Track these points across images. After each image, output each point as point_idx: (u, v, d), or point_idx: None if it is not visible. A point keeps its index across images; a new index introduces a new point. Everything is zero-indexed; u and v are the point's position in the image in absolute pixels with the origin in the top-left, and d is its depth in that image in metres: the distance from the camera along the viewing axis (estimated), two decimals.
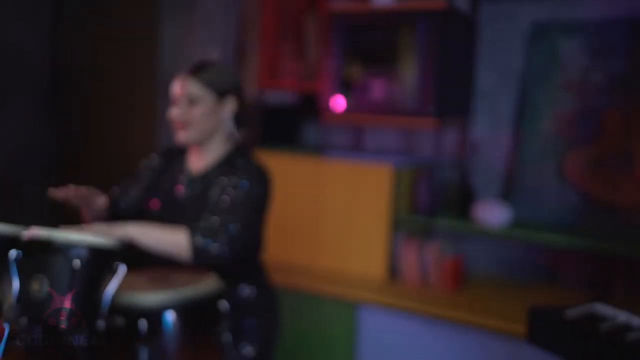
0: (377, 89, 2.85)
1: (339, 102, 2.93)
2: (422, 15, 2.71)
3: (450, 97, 2.86)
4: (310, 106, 3.38)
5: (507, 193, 3.00)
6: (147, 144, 3.49)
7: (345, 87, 2.92)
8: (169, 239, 1.59)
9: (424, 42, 2.71)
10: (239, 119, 1.89)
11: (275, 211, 3.12)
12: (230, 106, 1.85)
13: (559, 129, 2.87)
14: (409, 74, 2.77)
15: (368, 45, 2.89)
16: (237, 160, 1.79)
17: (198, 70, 1.83)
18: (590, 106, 2.80)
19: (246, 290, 1.77)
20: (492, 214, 2.73)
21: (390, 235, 2.89)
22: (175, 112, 1.80)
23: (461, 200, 2.90)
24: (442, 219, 2.85)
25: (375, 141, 3.41)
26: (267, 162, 3.17)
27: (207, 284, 1.52)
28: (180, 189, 1.83)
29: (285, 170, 3.14)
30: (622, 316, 1.49)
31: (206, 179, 1.79)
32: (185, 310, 1.46)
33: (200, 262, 1.59)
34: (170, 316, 1.43)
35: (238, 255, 1.63)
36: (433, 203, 2.83)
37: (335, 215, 3.01)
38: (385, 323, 2.67)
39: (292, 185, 3.12)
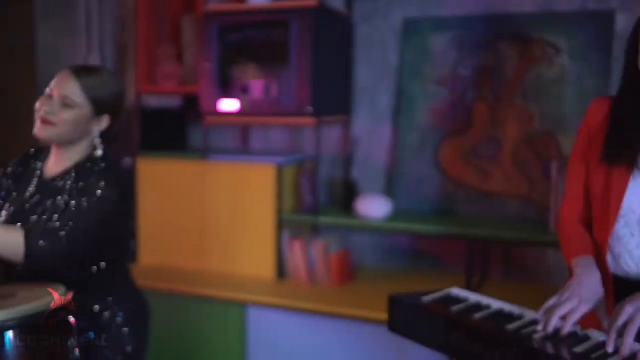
0: (257, 90, 2.84)
1: (219, 104, 2.90)
2: (294, 13, 2.73)
3: (329, 94, 2.90)
4: (196, 109, 3.33)
5: (389, 185, 3.08)
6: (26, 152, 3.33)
7: (225, 89, 2.89)
8: (4, 239, 1.51)
9: (297, 41, 2.73)
10: (109, 136, 1.81)
11: (160, 217, 3.08)
12: (104, 124, 1.77)
13: (434, 121, 2.97)
14: (286, 73, 2.78)
15: (245, 45, 2.88)
16: (94, 166, 1.73)
17: (83, 74, 1.72)
18: (461, 98, 2.93)
19: (103, 302, 1.71)
20: (374, 207, 2.79)
21: (277, 235, 2.89)
22: (44, 108, 1.69)
23: (345, 196, 2.95)
24: (327, 216, 2.89)
25: (262, 141, 3.41)
26: (149, 168, 3.16)
27: (52, 298, 1.45)
28: (31, 193, 1.75)
29: (169, 175, 3.09)
30: (473, 298, 1.56)
31: (58, 183, 1.72)
32: (29, 327, 1.38)
33: (33, 264, 1.53)
34: (10, 335, 1.36)
35: (75, 259, 1.57)
36: (318, 200, 2.86)
37: (222, 218, 2.98)
38: (275, 322, 2.67)
39: (177, 190, 3.06)
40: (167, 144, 3.39)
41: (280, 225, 2.90)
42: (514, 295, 2.42)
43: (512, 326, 1.37)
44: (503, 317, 1.45)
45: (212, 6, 2.90)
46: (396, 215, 2.84)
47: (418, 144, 2.99)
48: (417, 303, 1.51)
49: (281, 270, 2.92)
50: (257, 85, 2.84)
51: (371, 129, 3.15)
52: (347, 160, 3.17)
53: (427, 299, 1.55)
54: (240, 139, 3.47)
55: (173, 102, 3.48)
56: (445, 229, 2.65)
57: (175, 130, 3.50)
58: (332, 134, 3.22)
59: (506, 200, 2.83)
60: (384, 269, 3.11)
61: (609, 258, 1.48)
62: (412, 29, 3.03)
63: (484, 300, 1.54)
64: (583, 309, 1.32)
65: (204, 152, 3.01)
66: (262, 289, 2.78)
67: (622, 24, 2.64)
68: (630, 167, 1.43)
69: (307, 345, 2.62)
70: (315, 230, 3.14)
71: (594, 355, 1.23)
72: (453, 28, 2.94)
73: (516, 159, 2.82)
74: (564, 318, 1.32)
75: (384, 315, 2.45)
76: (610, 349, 1.24)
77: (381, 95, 3.13)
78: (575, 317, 1.31)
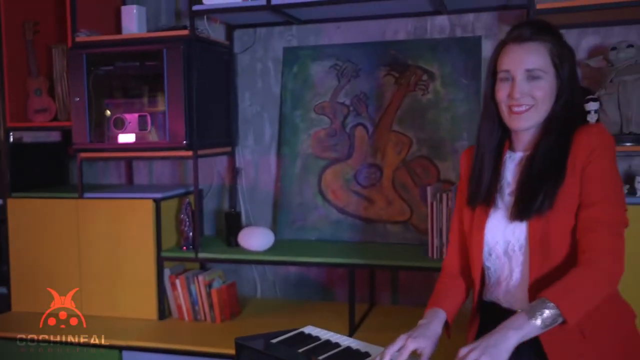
0: (133, 124, 2.73)
1: (91, 138, 2.77)
2: (167, 44, 2.65)
3: (210, 125, 2.83)
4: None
5: (275, 214, 3.03)
6: None
7: (98, 123, 2.77)
8: None
9: (170, 72, 2.65)
10: None
11: (33, 261, 2.90)
12: None
13: (316, 149, 2.96)
14: (161, 105, 2.70)
15: (117, 77, 2.78)
16: None
17: None
18: (341, 125, 2.93)
19: None
20: (255, 239, 2.73)
21: (157, 273, 2.78)
22: None
23: (227, 228, 2.87)
24: (209, 250, 2.79)
25: (146, 176, 3.29)
26: (20, 209, 2.96)
27: None
28: None
29: (42, 215, 2.91)
30: (325, 337, 1.52)
31: None
32: None
33: None
34: None
35: None
36: (198, 234, 2.77)
37: (101, 259, 2.83)
38: None
39: (51, 231, 2.89)
40: (46, 180, 3.22)
41: (160, 262, 2.78)
42: (402, 319, 2.43)
43: None
44: (348, 355, 1.41)
45: (82, 37, 2.79)
46: (280, 246, 2.79)
47: (302, 172, 2.97)
48: (259, 349, 1.45)
49: (163, 310, 2.80)
50: (132, 119, 2.74)
51: (257, 159, 3.11)
52: (232, 191, 3.10)
53: (275, 340, 1.50)
54: (125, 174, 3.34)
55: (52, 136, 3.31)
56: (326, 260, 2.61)
57: (54, 166, 3.34)
58: (219, 165, 3.16)
59: (388, 225, 2.84)
60: (271, 301, 3.04)
61: (483, 288, 1.54)
62: (292, 58, 3.02)
63: (334, 338, 1.51)
64: (411, 346, 1.33)
65: (80, 190, 2.86)
66: (141, 332, 2.64)
67: (488, 50, 2.73)
68: (487, 205, 1.48)
69: None
70: (202, 266, 3.05)
71: None
72: (332, 56, 2.96)
73: (396, 184, 2.84)
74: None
75: None
76: None
77: (265, 124, 3.10)
78: (404, 354, 1.31)
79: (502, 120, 1.49)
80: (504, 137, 1.53)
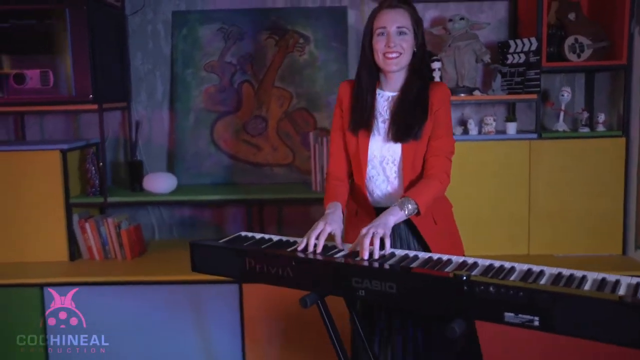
0: (34, 79, 2.89)
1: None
2: (69, 3, 2.85)
3: (108, 82, 3.07)
4: None
5: (171, 164, 3.37)
6: None
7: None
8: None
9: (73, 30, 2.85)
10: None
11: None
12: None
13: (208, 104, 3.33)
14: (64, 62, 2.89)
15: (20, 34, 2.90)
16: None
17: None
18: (229, 82, 3.33)
19: None
20: (159, 183, 3.07)
21: (67, 219, 3.00)
22: None
23: (131, 176, 3.16)
24: (115, 195, 3.07)
25: (37, 131, 3.43)
26: None
27: None
28: None
29: None
30: (259, 236, 1.97)
31: None
32: None
33: None
34: None
35: None
36: (105, 181, 3.02)
37: (7, 210, 2.98)
38: (73, 298, 2.79)
39: None
40: None
41: (69, 208, 3.01)
42: None
43: (289, 249, 1.81)
44: (283, 244, 1.88)
45: None
46: (180, 190, 3.15)
47: (194, 125, 3.33)
48: (214, 245, 1.87)
49: (74, 252, 3.04)
50: (34, 75, 2.89)
51: (150, 114, 3.40)
52: (130, 144, 3.37)
53: (221, 240, 1.92)
54: (14, 130, 3.44)
55: None
56: (225, 197, 3.03)
57: None
58: (113, 120, 3.40)
59: (275, 168, 3.32)
60: (171, 241, 3.39)
61: (367, 194, 2.03)
62: (181, 21, 3.34)
63: (267, 236, 1.97)
64: (328, 229, 1.82)
65: None
66: (56, 271, 2.87)
67: (353, 18, 3.28)
68: (368, 130, 1.98)
69: (110, 315, 2.81)
70: (104, 212, 3.30)
71: (336, 255, 1.72)
72: (218, 20, 3.33)
73: (280, 132, 3.32)
74: (317, 238, 1.79)
75: (176, 277, 2.79)
76: (365, 255, 1.72)
77: (157, 82, 3.39)
78: (324, 235, 1.80)
79: (376, 65, 2.00)
80: (375, 80, 2.05)
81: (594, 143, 2.92)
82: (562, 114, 3.04)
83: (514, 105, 3.24)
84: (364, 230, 1.76)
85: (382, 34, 1.93)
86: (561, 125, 3.03)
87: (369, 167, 2.00)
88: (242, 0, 3.34)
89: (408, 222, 1.95)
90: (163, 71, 3.39)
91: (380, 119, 2.00)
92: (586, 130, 2.96)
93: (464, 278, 1.46)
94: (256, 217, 3.37)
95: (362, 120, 1.99)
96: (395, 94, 2.00)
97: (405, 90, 1.98)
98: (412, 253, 1.77)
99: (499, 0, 3.25)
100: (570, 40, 2.92)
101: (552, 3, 3.05)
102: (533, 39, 2.86)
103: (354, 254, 1.75)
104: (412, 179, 1.96)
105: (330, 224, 1.84)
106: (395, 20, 1.92)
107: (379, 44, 1.94)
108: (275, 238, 1.96)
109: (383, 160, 1.98)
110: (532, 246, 2.96)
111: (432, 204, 1.90)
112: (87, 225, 3.02)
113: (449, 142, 1.98)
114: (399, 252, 1.77)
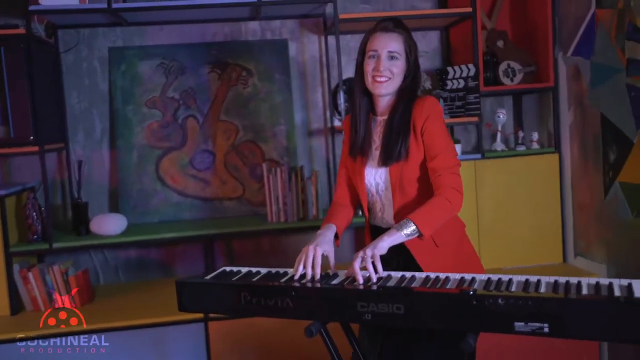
0: None
1: None
2: (5, 41, 2.70)
3: (47, 122, 2.92)
4: None
5: (115, 204, 3.23)
6: None
7: None
8: None
9: (11, 69, 2.71)
10: None
11: None
12: None
13: (151, 140, 3.24)
14: (2, 102, 2.73)
15: None
16: None
17: None
18: (173, 118, 3.27)
19: None
20: (109, 224, 2.94)
21: (8, 270, 2.80)
22: None
23: (76, 218, 3.00)
24: (61, 241, 2.90)
25: None
26: None
27: None
28: None
29: None
30: (244, 269, 1.94)
31: None
32: None
33: None
34: None
35: None
36: (49, 226, 2.85)
37: None
38: (16, 357, 2.59)
39: None
40: None
41: (9, 258, 2.81)
42: None
43: (283, 280, 1.80)
44: (273, 276, 1.86)
45: None
46: (129, 230, 3.02)
47: (138, 162, 3.23)
48: (205, 282, 1.82)
49: (16, 305, 2.83)
50: None
51: (89, 153, 3.26)
52: (70, 185, 3.21)
53: (208, 277, 1.87)
54: None
55: None
56: (180, 235, 2.94)
57: None
58: (48, 162, 3.22)
59: (225, 202, 3.27)
60: (117, 285, 3.24)
61: (370, 216, 2.05)
62: (119, 58, 3.25)
63: (254, 269, 1.94)
64: (319, 251, 1.82)
65: None
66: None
67: (294, 50, 3.33)
68: (364, 158, 2.01)
69: None
70: (42, 260, 3.11)
71: (333, 281, 1.73)
72: (158, 56, 3.27)
73: (228, 165, 3.28)
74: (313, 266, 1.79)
75: (139, 322, 2.67)
76: (359, 280, 1.73)
77: (95, 120, 3.27)
78: (318, 260, 1.80)
79: (366, 89, 2.01)
80: (370, 106, 2.05)
81: (530, 160, 3.12)
82: (499, 134, 3.24)
83: (452, 129, 3.40)
84: (359, 253, 1.78)
85: (373, 56, 1.95)
86: (499, 145, 3.22)
87: (369, 195, 2.03)
88: (181, 35, 3.31)
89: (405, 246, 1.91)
90: (101, 109, 3.27)
91: (374, 146, 2.02)
92: (522, 148, 3.17)
93: (471, 293, 1.52)
94: (209, 252, 3.30)
95: (356, 148, 2.02)
96: (385, 117, 2.01)
97: (391, 113, 1.99)
98: (408, 274, 1.80)
99: (431, 30, 3.43)
100: (503, 66, 3.13)
101: (482, 32, 3.26)
102: (470, 65, 3.04)
103: (352, 279, 1.76)
104: (404, 204, 1.95)
105: (321, 246, 1.84)
106: (387, 45, 1.94)
107: (368, 66, 1.96)
108: (263, 270, 1.93)
109: (378, 187, 2.00)
110: (483, 261, 3.09)
111: (439, 224, 1.87)
112: (30, 275, 2.83)
113: (448, 157, 1.92)
114: (395, 274, 1.81)
